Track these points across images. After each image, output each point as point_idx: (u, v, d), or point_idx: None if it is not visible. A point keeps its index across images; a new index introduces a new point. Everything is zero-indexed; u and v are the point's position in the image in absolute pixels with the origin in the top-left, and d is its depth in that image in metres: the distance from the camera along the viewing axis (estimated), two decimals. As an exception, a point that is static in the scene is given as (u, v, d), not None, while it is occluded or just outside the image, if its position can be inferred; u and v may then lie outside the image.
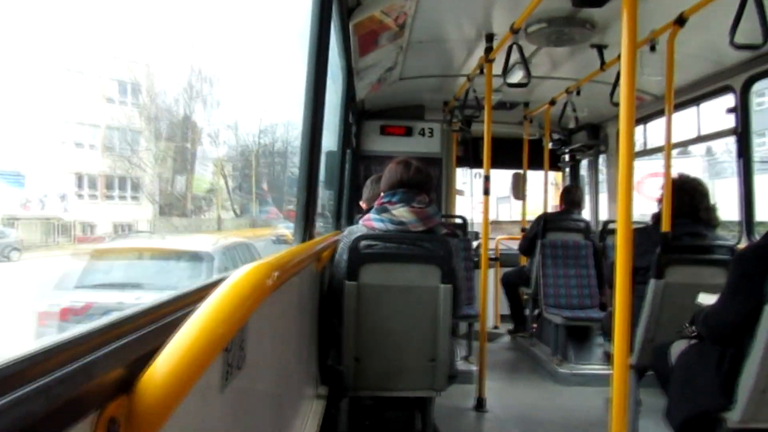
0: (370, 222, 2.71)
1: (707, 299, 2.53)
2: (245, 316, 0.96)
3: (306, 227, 2.41)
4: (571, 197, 5.63)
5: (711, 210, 3.36)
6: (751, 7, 2.66)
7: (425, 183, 2.78)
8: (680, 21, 3.21)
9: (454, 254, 2.67)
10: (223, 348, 0.94)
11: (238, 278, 0.99)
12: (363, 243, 2.63)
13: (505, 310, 6.17)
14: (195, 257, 6.91)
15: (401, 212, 2.65)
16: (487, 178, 4.02)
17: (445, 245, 2.64)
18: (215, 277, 1.33)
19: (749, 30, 2.71)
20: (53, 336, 0.67)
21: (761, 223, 4.09)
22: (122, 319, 0.81)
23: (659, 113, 4.78)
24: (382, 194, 2.81)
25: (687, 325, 2.50)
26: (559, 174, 7.39)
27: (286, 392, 2.06)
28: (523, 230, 6.13)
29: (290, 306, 2.04)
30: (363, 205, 3.54)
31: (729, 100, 4.10)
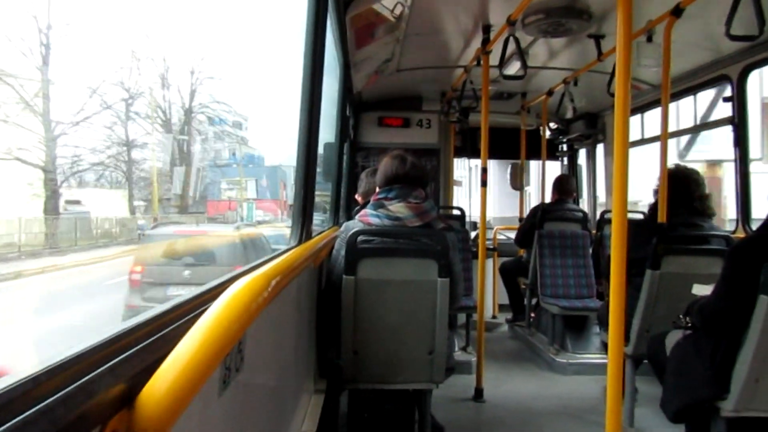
0: (367, 218, 2.71)
1: (702, 290, 2.55)
2: (243, 327, 0.97)
3: (303, 226, 2.40)
4: (563, 186, 5.62)
5: (705, 199, 3.39)
6: None
7: (421, 178, 2.78)
8: (677, 11, 3.19)
9: (451, 248, 2.69)
10: (222, 359, 0.95)
11: (236, 291, 1.00)
12: (360, 238, 2.65)
13: (504, 299, 6.21)
14: None
15: (398, 208, 2.66)
16: (484, 170, 4.03)
17: (441, 240, 2.65)
18: (215, 282, 1.32)
19: (746, 19, 2.71)
20: (56, 355, 0.68)
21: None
22: (122, 333, 0.82)
23: (656, 102, 4.78)
24: (377, 189, 2.82)
25: (682, 316, 2.53)
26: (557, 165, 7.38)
27: (285, 387, 2.08)
28: (520, 221, 6.15)
29: (288, 304, 2.05)
30: (359, 198, 3.55)
31: (727, 89, 4.09)
